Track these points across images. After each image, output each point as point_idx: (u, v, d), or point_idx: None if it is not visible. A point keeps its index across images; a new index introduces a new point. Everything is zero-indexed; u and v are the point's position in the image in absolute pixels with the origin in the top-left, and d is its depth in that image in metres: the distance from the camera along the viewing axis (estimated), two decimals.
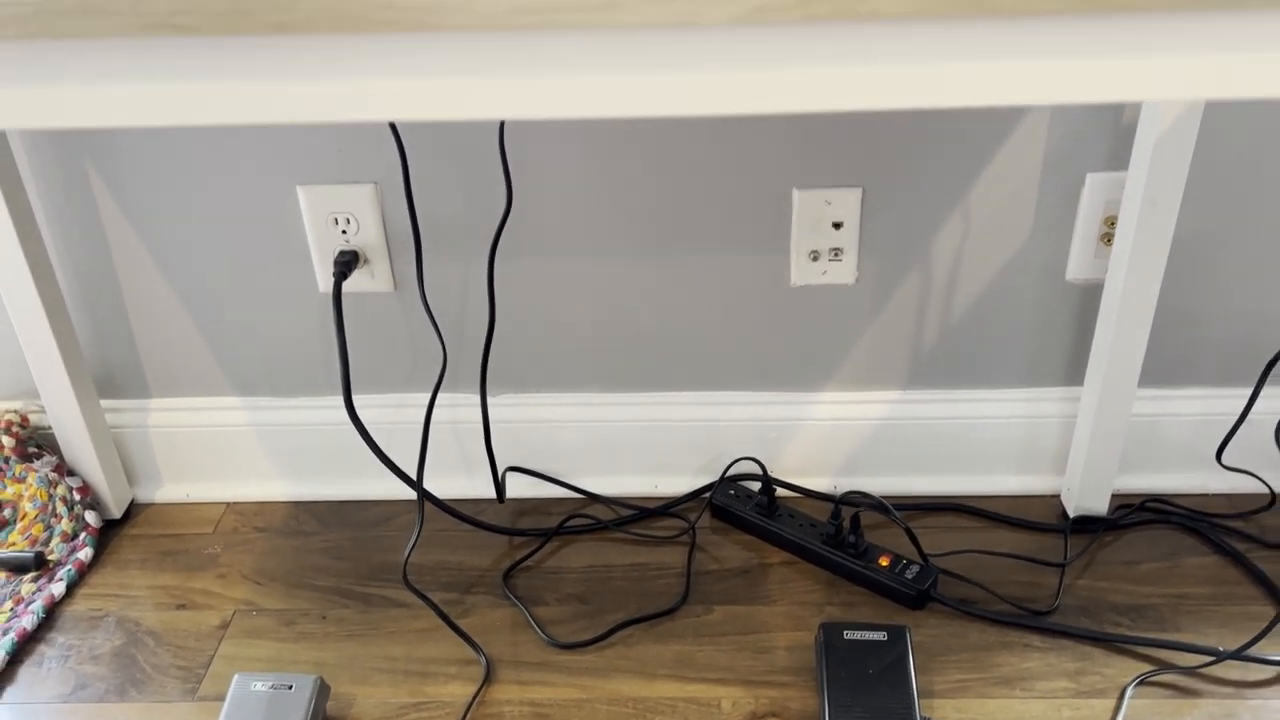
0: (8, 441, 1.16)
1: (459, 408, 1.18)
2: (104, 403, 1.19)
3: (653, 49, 0.39)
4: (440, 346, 1.14)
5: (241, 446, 1.20)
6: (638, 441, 1.19)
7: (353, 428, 1.03)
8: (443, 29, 0.38)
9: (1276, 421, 1.09)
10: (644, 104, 0.40)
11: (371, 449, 1.00)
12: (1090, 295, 1.10)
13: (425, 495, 1.06)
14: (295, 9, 0.38)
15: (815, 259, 1.08)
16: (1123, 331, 1.03)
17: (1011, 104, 0.39)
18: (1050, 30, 0.39)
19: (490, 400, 1.18)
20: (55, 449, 1.18)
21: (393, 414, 1.18)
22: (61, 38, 0.39)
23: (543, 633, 1.03)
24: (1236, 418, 1.08)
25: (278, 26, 0.39)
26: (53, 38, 0.39)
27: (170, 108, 0.42)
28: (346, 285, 1.11)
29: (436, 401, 1.17)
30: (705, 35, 0.39)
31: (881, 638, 0.96)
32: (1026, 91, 0.40)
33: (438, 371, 1.16)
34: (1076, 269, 1.08)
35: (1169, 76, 0.39)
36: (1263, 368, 1.04)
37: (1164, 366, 1.13)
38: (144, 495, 1.22)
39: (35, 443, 1.19)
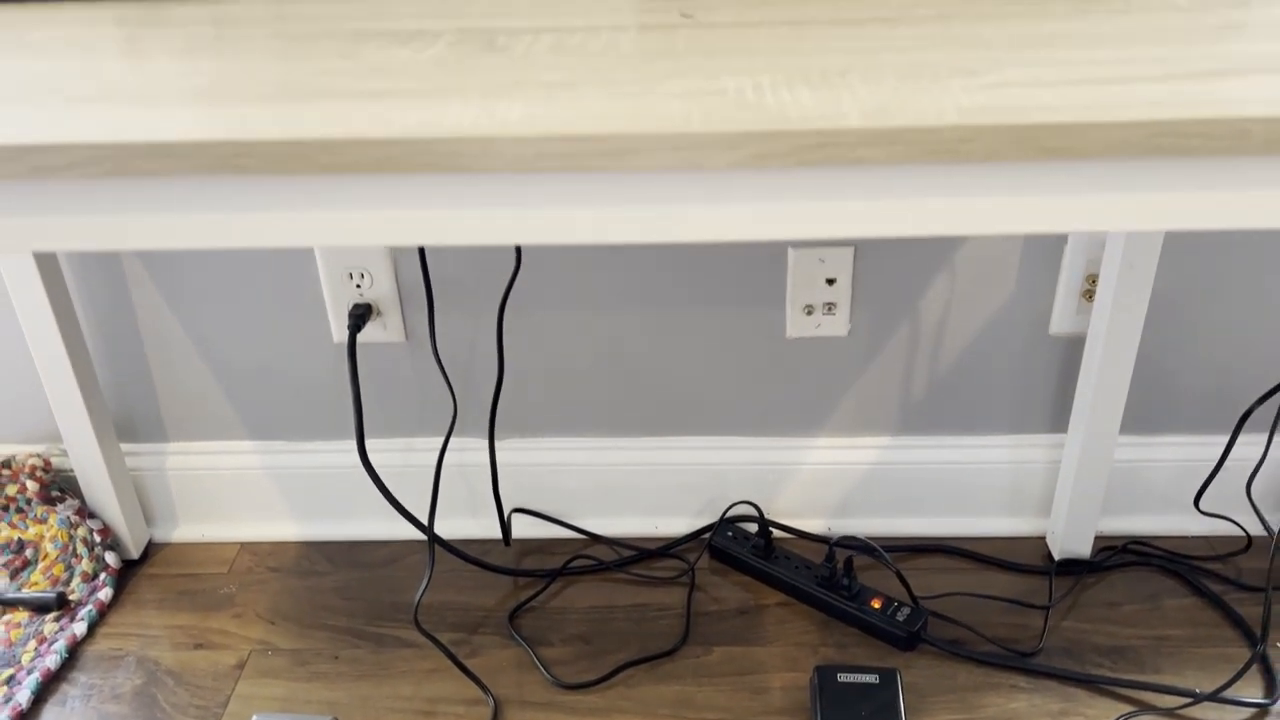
0: (31, 485, 1.20)
1: (466, 452, 1.22)
2: (124, 446, 1.23)
3: (664, 189, 0.44)
4: (450, 395, 1.19)
5: (255, 488, 1.24)
6: (639, 484, 1.23)
7: (363, 470, 1.07)
8: (475, 171, 0.43)
9: (1249, 472, 1.14)
10: (654, 233, 0.45)
11: (383, 494, 1.04)
12: (1073, 348, 1.14)
13: (435, 539, 1.10)
14: (343, 153, 0.43)
15: (810, 312, 1.13)
16: (1104, 382, 1.07)
17: (982, 234, 0.44)
18: (1013, 173, 0.43)
19: (497, 444, 1.22)
20: (77, 491, 1.22)
21: (401, 458, 1.22)
22: (133, 176, 0.44)
23: (547, 673, 1.07)
24: (1214, 465, 1.12)
25: (327, 167, 0.43)
26: (125, 176, 0.44)
27: (225, 234, 0.46)
28: (360, 336, 1.15)
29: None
30: (710, 176, 0.43)
31: (873, 680, 1.00)
32: (993, 224, 0.44)
33: (446, 417, 1.21)
34: (1059, 323, 1.13)
35: (1114, 212, 0.44)
36: (1238, 418, 1.09)
37: (1144, 416, 1.18)
38: (161, 535, 1.26)
39: (58, 486, 1.23)
